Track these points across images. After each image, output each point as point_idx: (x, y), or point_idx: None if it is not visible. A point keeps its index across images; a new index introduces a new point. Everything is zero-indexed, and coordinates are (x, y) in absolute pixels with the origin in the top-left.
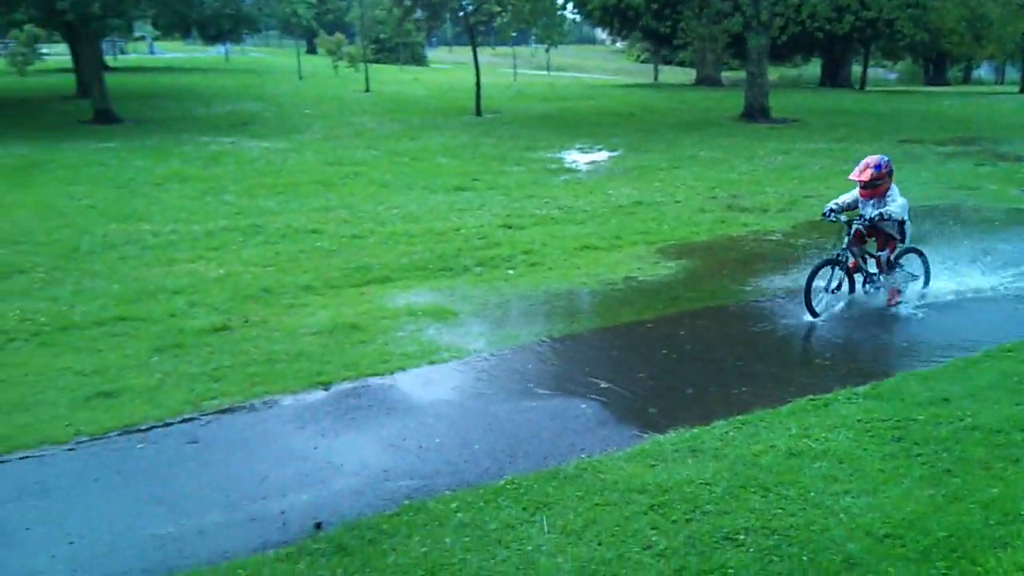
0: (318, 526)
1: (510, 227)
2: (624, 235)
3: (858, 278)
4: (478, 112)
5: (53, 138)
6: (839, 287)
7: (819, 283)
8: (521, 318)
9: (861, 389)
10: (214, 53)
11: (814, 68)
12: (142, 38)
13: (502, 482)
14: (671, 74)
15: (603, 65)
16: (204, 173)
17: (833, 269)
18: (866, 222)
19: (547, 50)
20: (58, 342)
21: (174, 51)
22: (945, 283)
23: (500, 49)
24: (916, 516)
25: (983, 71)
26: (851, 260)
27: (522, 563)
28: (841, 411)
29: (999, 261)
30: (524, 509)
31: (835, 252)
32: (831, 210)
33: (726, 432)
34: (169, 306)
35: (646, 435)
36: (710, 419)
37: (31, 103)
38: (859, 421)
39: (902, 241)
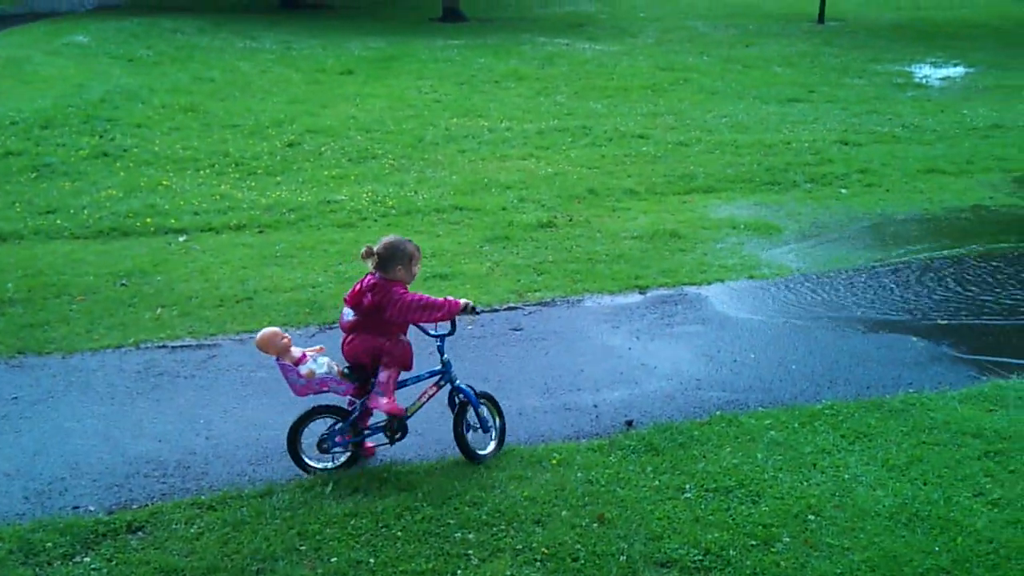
0: (629, 424)
1: (846, 143)
2: (977, 159)
3: None
4: (821, 19)
5: (406, 34)
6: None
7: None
8: (851, 241)
9: None
10: None
11: None
12: None
13: (819, 406)
14: None
15: None
16: (539, 73)
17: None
18: None
19: None
20: (402, 224)
21: None
22: None
23: None
24: None
25: None
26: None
27: (838, 490)
28: None
29: None
30: (842, 436)
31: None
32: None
33: None
34: (501, 199)
35: (984, 377)
36: None
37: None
38: None
39: None
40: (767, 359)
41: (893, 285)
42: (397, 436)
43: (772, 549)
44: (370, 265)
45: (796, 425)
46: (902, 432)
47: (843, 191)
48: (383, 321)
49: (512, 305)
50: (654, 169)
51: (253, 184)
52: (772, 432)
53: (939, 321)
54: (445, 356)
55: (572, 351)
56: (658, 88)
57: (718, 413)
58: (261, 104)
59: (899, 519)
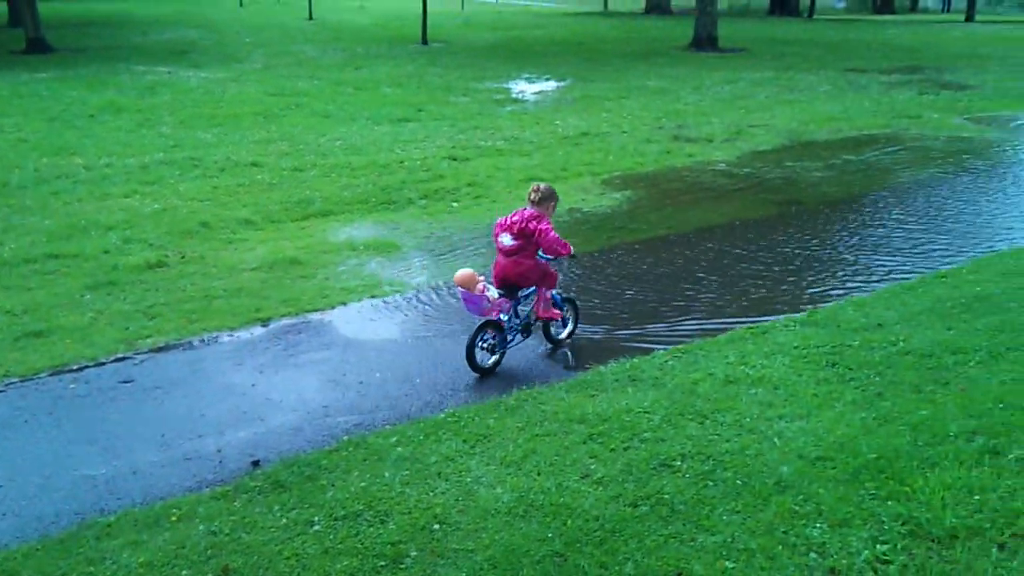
0: (255, 463)
1: (455, 159)
2: (570, 166)
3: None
4: (424, 41)
5: None
6: None
7: None
8: (465, 251)
9: (799, 316)
10: None
11: None
12: None
13: (443, 415)
14: (621, 2)
15: None
16: (140, 104)
17: None
18: None
19: None
20: None
21: None
22: None
23: None
24: (847, 439)
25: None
26: None
27: (461, 495)
28: (778, 338)
29: None
30: (464, 441)
31: None
32: None
33: (665, 361)
34: (102, 242)
35: (588, 365)
36: (651, 349)
37: None
38: (795, 348)
39: None
40: (393, 376)
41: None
42: (526, 336)
43: (401, 566)
44: (533, 197)
45: (422, 437)
46: (518, 428)
47: (455, 204)
48: (535, 245)
49: (121, 355)
50: (270, 197)
51: None
52: (399, 448)
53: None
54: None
55: (191, 396)
56: (269, 114)
57: (346, 438)
58: None
59: (517, 512)
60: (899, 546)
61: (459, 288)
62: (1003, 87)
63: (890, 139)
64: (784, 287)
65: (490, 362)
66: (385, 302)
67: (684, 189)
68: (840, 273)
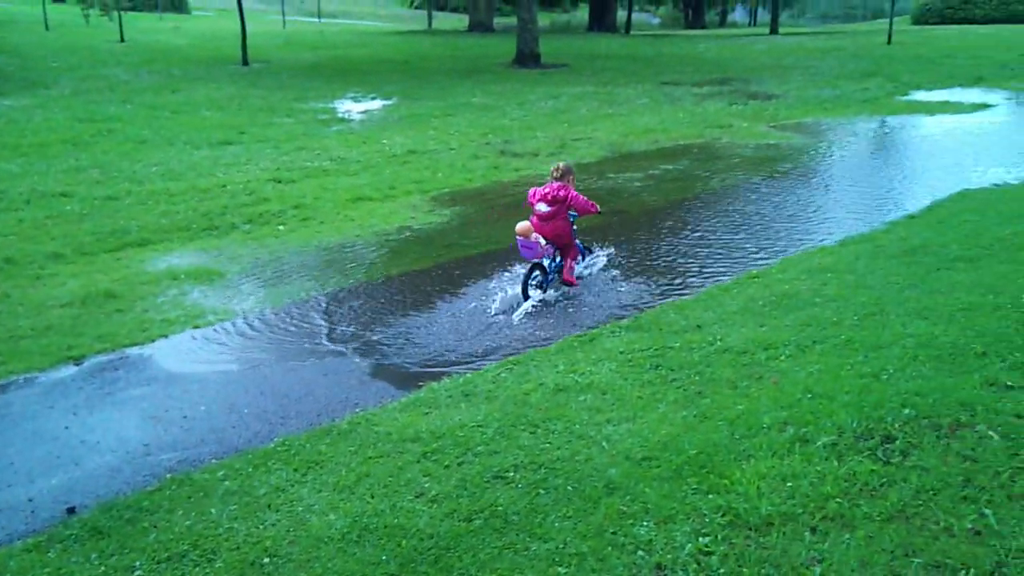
0: (71, 510)
1: (280, 181)
2: (398, 185)
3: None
4: (245, 62)
5: None
6: None
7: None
8: (293, 275)
9: (624, 322)
10: None
11: (583, 13)
12: None
13: (272, 445)
14: (445, 20)
15: (375, 11)
16: None
17: None
18: None
19: None
20: None
21: None
22: None
23: None
24: (670, 437)
25: (738, 14)
26: None
27: (292, 525)
28: (605, 344)
29: None
30: (295, 470)
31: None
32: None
33: (498, 374)
34: None
35: (422, 383)
36: (483, 362)
37: None
38: (621, 353)
39: None
40: (219, 408)
41: (332, 312)
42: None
43: None
44: (555, 174)
45: (250, 469)
46: (351, 452)
47: (281, 228)
48: (566, 208)
49: None
50: (81, 228)
51: None
52: (226, 482)
53: (373, 337)
54: (574, 227)
55: None
56: (79, 141)
57: (168, 476)
58: None
59: (350, 538)
60: (720, 537)
61: (519, 237)
62: (805, 95)
63: (703, 148)
64: (609, 294)
65: (538, 293)
66: (209, 332)
67: (513, 204)
68: (661, 278)
